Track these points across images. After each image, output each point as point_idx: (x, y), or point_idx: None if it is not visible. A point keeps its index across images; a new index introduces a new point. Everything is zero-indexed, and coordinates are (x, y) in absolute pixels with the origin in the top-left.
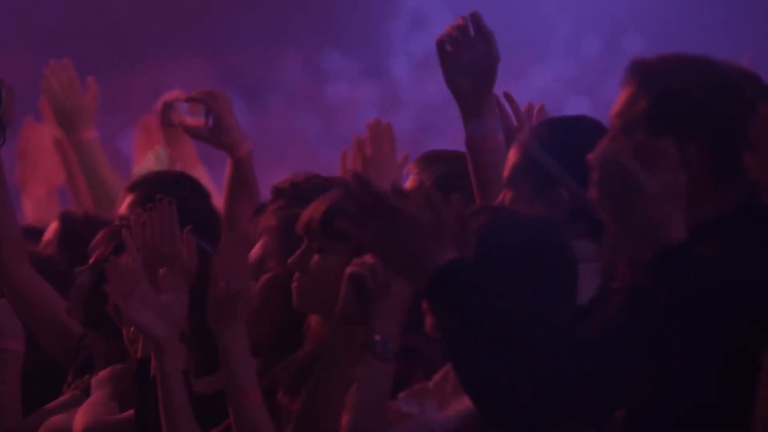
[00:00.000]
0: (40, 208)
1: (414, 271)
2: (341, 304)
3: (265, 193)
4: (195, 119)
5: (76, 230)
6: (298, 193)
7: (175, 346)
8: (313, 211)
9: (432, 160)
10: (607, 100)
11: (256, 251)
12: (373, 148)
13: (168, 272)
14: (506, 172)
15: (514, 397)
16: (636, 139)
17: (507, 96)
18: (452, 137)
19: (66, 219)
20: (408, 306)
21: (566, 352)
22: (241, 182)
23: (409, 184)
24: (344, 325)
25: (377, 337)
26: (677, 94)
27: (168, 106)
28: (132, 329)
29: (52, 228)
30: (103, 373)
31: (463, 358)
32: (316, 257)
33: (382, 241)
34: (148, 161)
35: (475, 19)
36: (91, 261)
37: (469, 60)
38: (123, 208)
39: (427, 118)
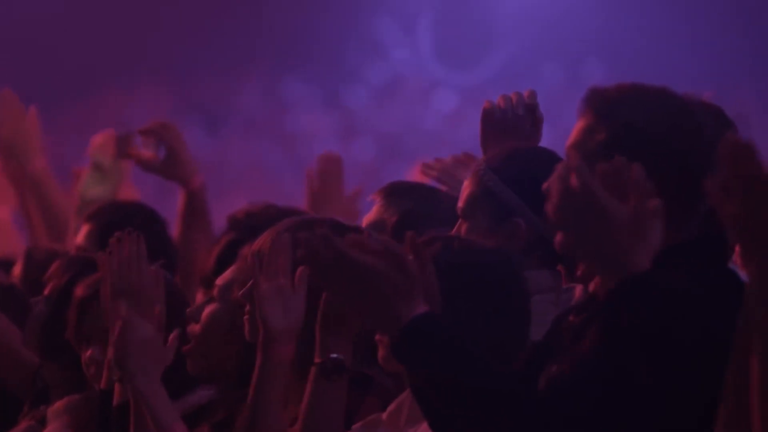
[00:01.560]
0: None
1: (383, 324)
2: (263, 327)
3: (223, 221)
4: (148, 152)
5: (39, 267)
6: (253, 223)
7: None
8: (262, 242)
9: (398, 194)
10: (567, 127)
11: (227, 276)
12: (322, 182)
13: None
14: (461, 203)
15: None
16: (610, 164)
17: (437, 161)
18: (411, 166)
19: (29, 256)
20: (358, 323)
21: (535, 408)
22: (194, 214)
23: (372, 215)
24: (273, 348)
25: (332, 356)
26: (635, 128)
27: (123, 139)
28: (89, 353)
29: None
30: (59, 404)
31: (431, 407)
32: None
33: (348, 295)
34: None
35: (531, 99)
36: (46, 291)
37: (511, 134)
38: (80, 238)
39: (386, 146)
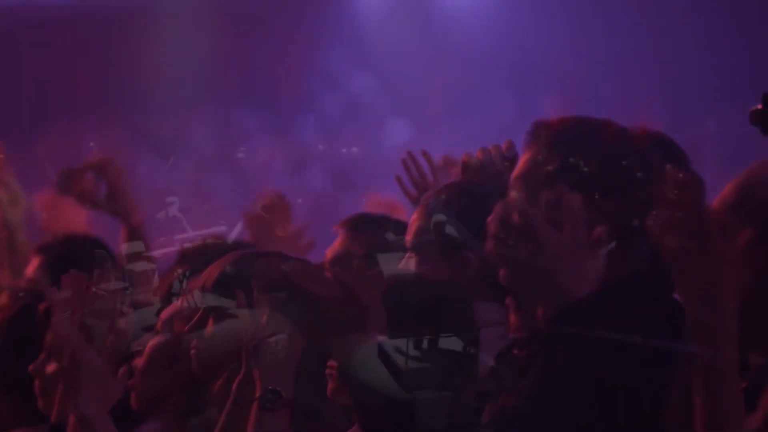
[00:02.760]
0: None
1: (337, 353)
2: (245, 369)
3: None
4: (90, 187)
5: None
6: (205, 256)
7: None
8: (207, 276)
9: (364, 227)
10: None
11: (171, 308)
12: (267, 216)
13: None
14: (409, 236)
15: None
16: (547, 194)
17: (424, 154)
18: (364, 197)
19: None
20: (298, 357)
21: None
22: None
23: (337, 247)
24: (247, 389)
25: (269, 388)
26: (580, 160)
27: (67, 175)
28: (31, 366)
29: None
30: None
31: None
32: (210, 323)
33: (308, 328)
34: None
35: (510, 152)
36: None
37: (491, 182)
38: (30, 271)
39: (337, 176)
